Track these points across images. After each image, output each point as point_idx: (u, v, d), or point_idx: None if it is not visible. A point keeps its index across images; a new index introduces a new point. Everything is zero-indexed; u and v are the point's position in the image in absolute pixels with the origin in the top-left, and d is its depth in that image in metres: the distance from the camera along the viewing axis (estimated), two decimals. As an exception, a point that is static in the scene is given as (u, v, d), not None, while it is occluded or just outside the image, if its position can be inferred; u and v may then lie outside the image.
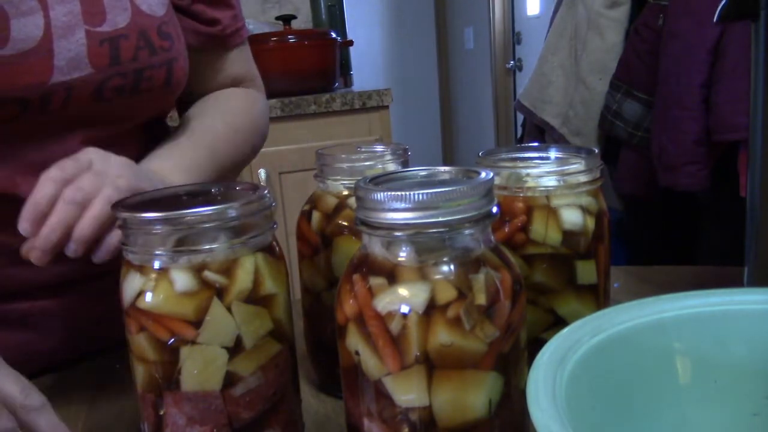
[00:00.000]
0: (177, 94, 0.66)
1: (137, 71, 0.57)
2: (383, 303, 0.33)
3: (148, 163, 0.59)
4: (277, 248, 0.41)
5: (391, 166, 0.48)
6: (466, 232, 0.33)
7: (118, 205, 0.38)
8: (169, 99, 0.66)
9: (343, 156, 0.49)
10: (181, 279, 0.36)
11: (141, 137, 0.65)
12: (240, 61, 0.76)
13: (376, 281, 0.33)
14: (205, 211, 0.35)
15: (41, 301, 0.60)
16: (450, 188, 0.32)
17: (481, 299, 0.33)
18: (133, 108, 0.60)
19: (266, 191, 0.39)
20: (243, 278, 0.37)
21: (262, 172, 1.79)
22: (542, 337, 0.45)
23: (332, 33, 1.99)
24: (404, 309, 0.32)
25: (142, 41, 0.58)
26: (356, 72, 2.49)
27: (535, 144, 0.58)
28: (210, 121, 0.69)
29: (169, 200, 0.41)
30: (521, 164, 0.46)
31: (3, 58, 0.50)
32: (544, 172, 0.45)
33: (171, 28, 0.61)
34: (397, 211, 0.32)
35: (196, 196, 0.42)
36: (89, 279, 0.62)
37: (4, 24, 0.50)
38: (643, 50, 1.30)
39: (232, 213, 0.36)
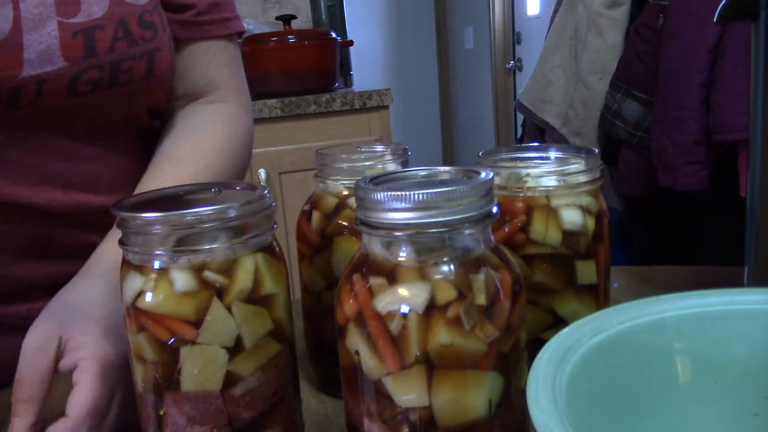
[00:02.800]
0: (163, 87, 0.63)
1: (114, 63, 0.55)
2: (383, 303, 0.33)
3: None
4: (277, 248, 0.41)
5: (391, 166, 0.48)
6: (466, 232, 0.33)
7: (118, 205, 0.38)
8: (155, 92, 0.63)
9: (343, 156, 0.49)
10: (181, 279, 0.36)
11: (128, 131, 0.63)
12: (219, 62, 0.67)
13: (376, 281, 0.33)
14: (205, 211, 0.35)
15: (40, 302, 0.60)
16: (450, 188, 0.32)
17: (481, 299, 0.33)
18: (112, 102, 0.58)
19: (266, 191, 0.39)
20: (243, 278, 0.37)
21: (262, 172, 1.79)
22: (542, 337, 0.45)
23: (332, 33, 1.99)
24: (404, 309, 0.32)
25: (121, 31, 0.55)
26: (356, 72, 2.49)
27: (535, 144, 0.58)
28: (189, 171, 0.61)
29: (169, 200, 0.41)
30: (521, 164, 0.46)
31: None
32: (544, 172, 0.45)
33: (155, 16, 0.59)
34: (397, 211, 0.32)
35: (196, 196, 0.42)
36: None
37: None
38: (643, 50, 1.30)
39: (232, 213, 0.36)
